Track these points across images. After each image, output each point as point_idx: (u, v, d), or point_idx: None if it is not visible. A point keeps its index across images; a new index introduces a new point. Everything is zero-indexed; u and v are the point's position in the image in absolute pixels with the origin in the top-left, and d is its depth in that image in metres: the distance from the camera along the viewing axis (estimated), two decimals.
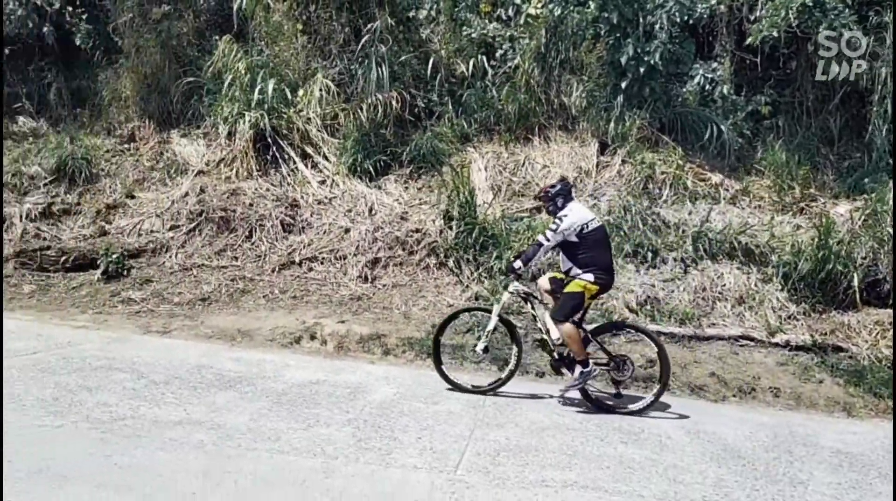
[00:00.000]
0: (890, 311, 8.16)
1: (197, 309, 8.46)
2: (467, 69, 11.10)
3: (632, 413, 6.00)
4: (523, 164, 10.36)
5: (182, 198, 10.34)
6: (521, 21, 11.14)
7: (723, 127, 10.40)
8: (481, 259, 8.86)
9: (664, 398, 6.27)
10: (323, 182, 10.54)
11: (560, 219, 6.02)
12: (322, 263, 9.37)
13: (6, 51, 11.96)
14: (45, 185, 10.65)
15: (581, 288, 5.93)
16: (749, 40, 10.26)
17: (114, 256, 9.15)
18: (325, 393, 5.88)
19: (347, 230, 9.71)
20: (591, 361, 6.01)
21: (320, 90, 10.91)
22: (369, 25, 10.76)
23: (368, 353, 7.44)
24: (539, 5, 10.92)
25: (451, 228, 9.23)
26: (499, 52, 11.16)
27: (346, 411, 5.43)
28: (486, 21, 11.32)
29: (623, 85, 10.29)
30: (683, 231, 9.21)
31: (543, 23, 10.61)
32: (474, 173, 10.13)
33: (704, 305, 8.44)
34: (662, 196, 9.84)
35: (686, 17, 10.22)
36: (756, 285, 8.59)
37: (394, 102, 10.54)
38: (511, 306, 7.52)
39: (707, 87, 10.64)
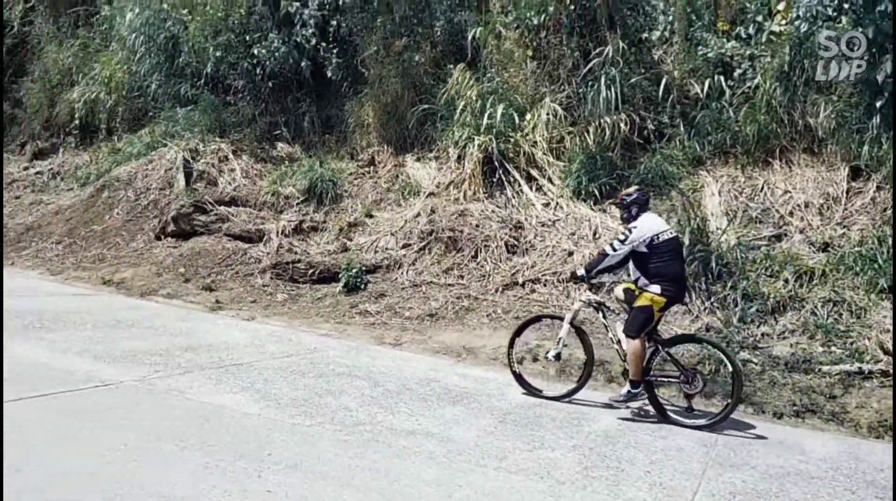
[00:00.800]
0: None
1: (425, 324, 8.89)
2: (702, 90, 10.61)
3: (700, 427, 5.88)
4: (762, 189, 9.70)
5: (414, 218, 10.97)
6: (763, 39, 10.47)
7: None
8: (714, 288, 8.42)
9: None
10: (547, 205, 10.63)
11: (630, 230, 6.04)
12: (545, 285, 9.42)
13: (269, 84, 13.46)
14: (298, 204, 11.85)
15: (649, 302, 5.97)
16: None
17: (353, 270, 9.91)
18: (549, 417, 5.90)
19: (571, 253, 9.69)
20: (642, 386, 6.07)
21: (547, 114, 11.05)
22: (599, 49, 10.72)
23: (591, 379, 7.34)
24: (783, 22, 10.23)
25: None
26: (737, 72, 10.55)
27: (571, 436, 5.41)
28: (724, 40, 10.78)
29: (878, 105, 9.29)
30: None
31: (787, 40, 9.92)
32: (706, 198, 9.67)
33: None
34: None
35: None
36: None
37: (622, 125, 10.40)
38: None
39: None
